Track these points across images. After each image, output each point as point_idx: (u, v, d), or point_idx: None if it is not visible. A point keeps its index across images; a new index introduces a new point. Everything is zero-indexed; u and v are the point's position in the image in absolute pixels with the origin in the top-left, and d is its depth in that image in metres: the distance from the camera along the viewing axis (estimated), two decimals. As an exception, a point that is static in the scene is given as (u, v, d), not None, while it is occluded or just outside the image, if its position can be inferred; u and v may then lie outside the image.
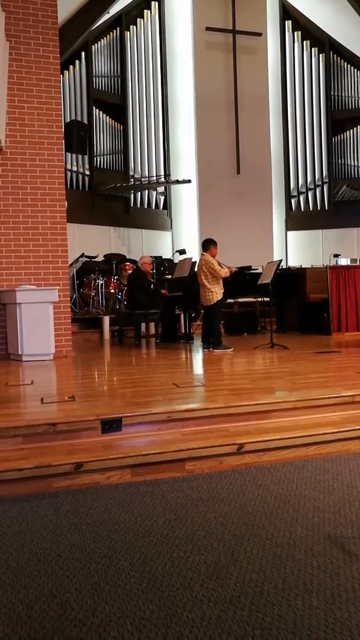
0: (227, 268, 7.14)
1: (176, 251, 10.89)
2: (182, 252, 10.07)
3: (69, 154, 11.08)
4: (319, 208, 13.42)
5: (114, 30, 12.50)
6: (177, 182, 12.30)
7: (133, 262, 10.62)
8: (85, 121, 11.70)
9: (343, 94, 13.47)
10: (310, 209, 13.47)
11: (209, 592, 2.03)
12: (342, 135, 13.46)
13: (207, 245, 7.15)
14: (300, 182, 13.52)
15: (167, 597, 2.00)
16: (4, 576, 2.21)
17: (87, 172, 11.80)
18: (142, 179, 12.43)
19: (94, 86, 12.08)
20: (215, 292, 7.02)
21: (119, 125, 12.51)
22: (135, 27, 12.73)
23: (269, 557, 2.28)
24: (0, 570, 2.26)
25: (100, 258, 10.95)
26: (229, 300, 9.18)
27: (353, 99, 13.45)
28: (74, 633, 1.81)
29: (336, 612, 1.88)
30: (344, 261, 9.35)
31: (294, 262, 13.09)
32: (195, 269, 7.42)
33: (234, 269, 7.40)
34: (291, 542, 2.41)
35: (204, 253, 7.11)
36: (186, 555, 2.31)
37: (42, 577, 2.19)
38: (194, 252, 11.45)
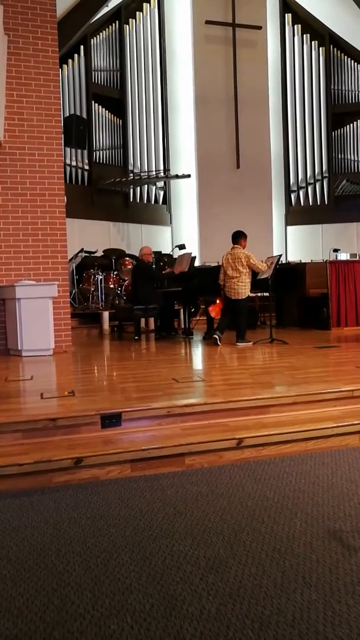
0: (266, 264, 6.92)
1: (176, 246, 10.87)
2: (181, 247, 10.05)
3: (68, 149, 11.06)
4: (318, 203, 13.40)
5: (113, 24, 12.45)
6: (177, 176, 12.28)
7: (132, 257, 10.61)
8: (85, 116, 11.67)
9: (343, 88, 13.43)
10: (310, 203, 13.45)
11: (209, 585, 2.04)
12: (342, 129, 13.42)
13: (239, 237, 6.95)
14: (300, 176, 13.49)
15: (166, 591, 2.01)
16: (4, 570, 2.22)
17: (87, 167, 11.78)
18: (142, 174, 12.40)
19: (93, 80, 12.04)
20: (247, 286, 6.87)
21: (118, 119, 12.47)
22: (134, 20, 12.67)
23: (268, 551, 2.29)
24: (1, 564, 2.27)
25: (99, 253, 10.94)
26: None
27: (353, 92, 13.41)
28: (74, 626, 1.82)
29: (335, 605, 1.89)
30: (343, 256, 9.34)
31: (293, 256, 13.08)
32: (220, 262, 7.12)
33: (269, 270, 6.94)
34: (290, 536, 2.42)
35: (237, 246, 6.91)
36: (186, 550, 2.32)
37: (43, 571, 2.20)
38: (193, 247, 11.45)
